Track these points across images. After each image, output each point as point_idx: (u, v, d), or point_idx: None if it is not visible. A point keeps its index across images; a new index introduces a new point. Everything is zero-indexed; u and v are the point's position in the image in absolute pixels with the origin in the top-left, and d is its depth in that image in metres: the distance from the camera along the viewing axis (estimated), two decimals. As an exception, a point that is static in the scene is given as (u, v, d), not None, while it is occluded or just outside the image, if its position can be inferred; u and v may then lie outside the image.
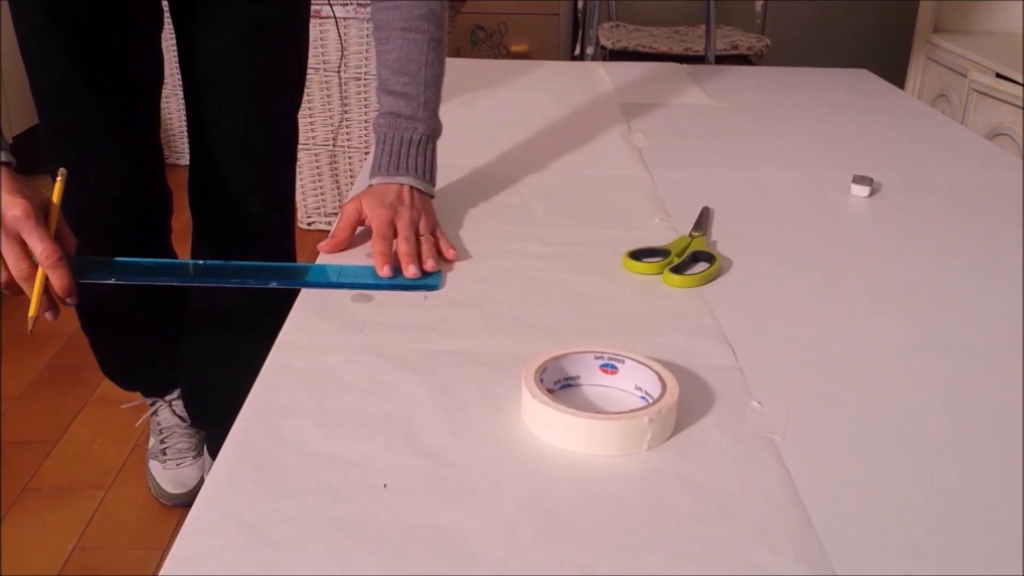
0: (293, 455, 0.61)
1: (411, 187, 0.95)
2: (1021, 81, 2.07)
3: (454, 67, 1.70)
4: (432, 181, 0.99)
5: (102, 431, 1.69)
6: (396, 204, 0.92)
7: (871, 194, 1.12)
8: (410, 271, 0.85)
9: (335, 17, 2.31)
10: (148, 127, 1.29)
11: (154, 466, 1.54)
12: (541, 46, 3.17)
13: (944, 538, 0.55)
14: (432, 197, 0.98)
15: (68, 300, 0.82)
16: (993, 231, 1.02)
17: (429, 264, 0.87)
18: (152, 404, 1.57)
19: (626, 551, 0.53)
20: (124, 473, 1.58)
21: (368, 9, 2.34)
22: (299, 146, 2.67)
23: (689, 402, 0.67)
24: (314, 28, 2.35)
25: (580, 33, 2.95)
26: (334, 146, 2.51)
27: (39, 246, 0.80)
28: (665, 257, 0.91)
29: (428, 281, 0.85)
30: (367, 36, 2.38)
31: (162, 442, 1.55)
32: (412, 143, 0.97)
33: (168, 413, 1.56)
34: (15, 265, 0.80)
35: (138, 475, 1.57)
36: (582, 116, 1.43)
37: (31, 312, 0.81)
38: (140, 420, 1.64)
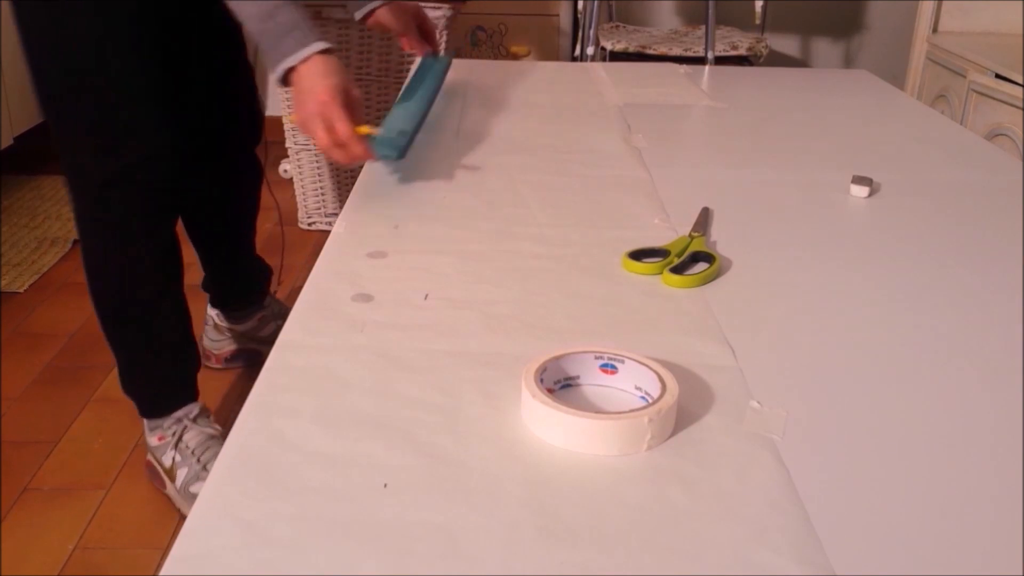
0: (293, 455, 0.61)
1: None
2: (1020, 82, 2.07)
3: (454, 68, 1.71)
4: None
5: (102, 431, 1.69)
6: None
7: (870, 194, 1.12)
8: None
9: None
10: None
11: (197, 488, 1.48)
12: (541, 47, 3.17)
13: (944, 538, 0.55)
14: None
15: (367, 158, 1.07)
16: (993, 232, 1.02)
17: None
18: (174, 432, 1.51)
19: (626, 551, 0.53)
20: (124, 473, 1.59)
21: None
22: (299, 146, 2.66)
23: (689, 402, 0.67)
24: (314, 28, 2.35)
25: (580, 34, 2.95)
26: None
27: (338, 127, 1.03)
28: (665, 257, 0.91)
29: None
30: (367, 37, 2.38)
31: (199, 460, 1.49)
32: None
33: (195, 432, 1.51)
34: (323, 140, 1.04)
35: (138, 475, 1.57)
36: (582, 116, 1.43)
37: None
38: (158, 460, 1.53)
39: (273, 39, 1.05)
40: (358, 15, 1.41)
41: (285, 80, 1.06)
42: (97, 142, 1.35)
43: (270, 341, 1.71)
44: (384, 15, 1.42)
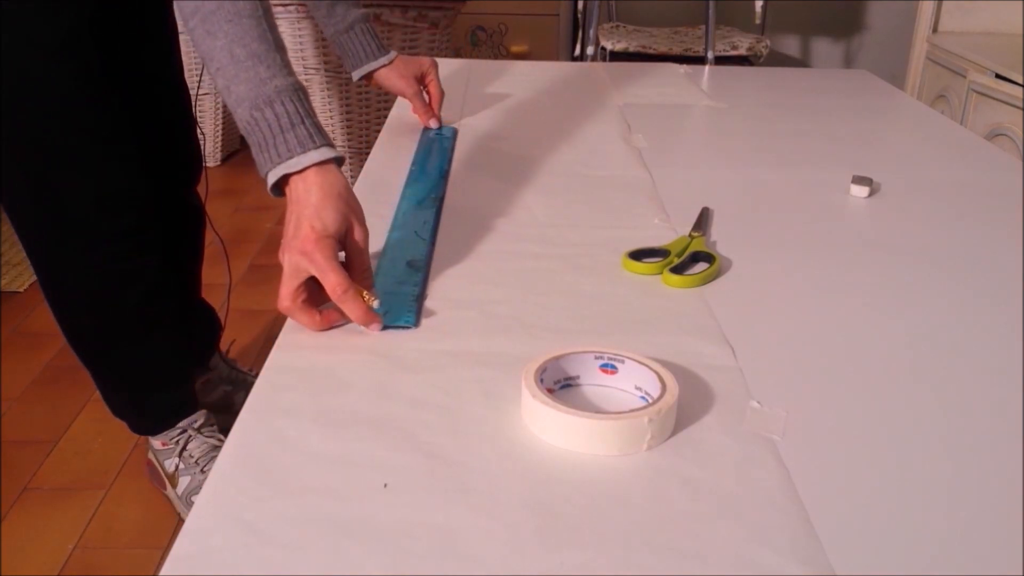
0: (293, 455, 0.61)
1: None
2: (1020, 82, 2.07)
3: (455, 67, 1.71)
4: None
5: (102, 431, 1.69)
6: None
7: (870, 194, 1.12)
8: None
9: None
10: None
11: None
12: (541, 46, 3.17)
13: (944, 538, 0.55)
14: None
15: (371, 328, 0.77)
16: (992, 232, 1.02)
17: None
18: (177, 440, 1.47)
19: (626, 551, 0.53)
20: (124, 473, 1.59)
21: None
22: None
23: (689, 402, 0.67)
24: (316, 29, 2.35)
25: (580, 34, 2.95)
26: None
27: (329, 278, 0.75)
28: (665, 257, 0.91)
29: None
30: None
31: (203, 471, 1.46)
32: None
33: (199, 441, 1.47)
34: (285, 298, 0.77)
35: (138, 475, 1.57)
36: (582, 116, 1.43)
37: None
38: (161, 467, 1.50)
39: (268, 134, 0.79)
40: (356, 75, 1.31)
41: (280, 188, 0.80)
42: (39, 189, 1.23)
43: (221, 409, 1.60)
44: (384, 76, 1.31)
